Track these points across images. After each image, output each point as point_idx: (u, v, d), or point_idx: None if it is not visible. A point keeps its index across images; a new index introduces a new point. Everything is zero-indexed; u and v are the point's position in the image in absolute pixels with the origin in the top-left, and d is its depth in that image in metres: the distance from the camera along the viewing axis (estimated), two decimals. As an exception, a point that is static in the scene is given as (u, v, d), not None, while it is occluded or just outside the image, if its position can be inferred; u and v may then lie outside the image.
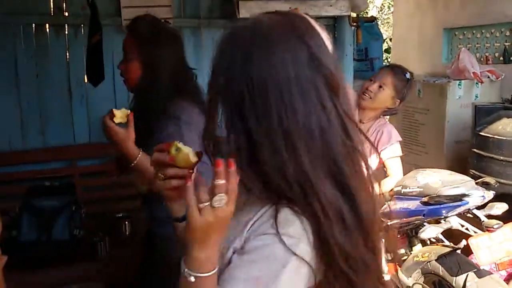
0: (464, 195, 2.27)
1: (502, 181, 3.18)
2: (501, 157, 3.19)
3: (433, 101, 4.12)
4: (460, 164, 3.66)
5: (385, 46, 6.56)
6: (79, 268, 2.89)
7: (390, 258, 2.72)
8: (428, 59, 5.20)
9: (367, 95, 2.60)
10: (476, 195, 2.29)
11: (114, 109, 1.79)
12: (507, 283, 2.35)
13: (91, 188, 3.67)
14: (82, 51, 3.53)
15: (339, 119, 0.88)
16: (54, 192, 3.20)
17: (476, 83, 4.04)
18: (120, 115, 1.77)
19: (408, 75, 2.63)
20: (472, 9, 4.61)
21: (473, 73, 3.99)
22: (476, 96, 4.08)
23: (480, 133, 3.36)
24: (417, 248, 2.70)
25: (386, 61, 7.37)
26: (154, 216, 2.01)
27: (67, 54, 3.70)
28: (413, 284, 2.51)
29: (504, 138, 3.18)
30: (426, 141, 4.26)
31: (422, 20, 5.31)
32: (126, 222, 3.19)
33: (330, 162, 0.87)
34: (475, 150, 3.44)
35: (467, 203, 2.27)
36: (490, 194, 2.36)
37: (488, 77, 4.11)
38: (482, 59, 4.60)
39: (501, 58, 4.42)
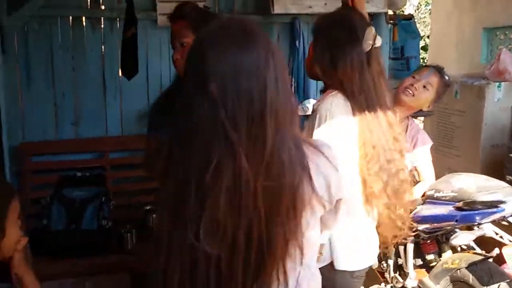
0: (500, 202, 2.19)
1: (540, 188, 3.07)
2: (540, 163, 3.07)
3: (471, 103, 4.00)
4: (495, 169, 3.54)
5: (421, 43, 6.39)
6: (106, 258, 2.94)
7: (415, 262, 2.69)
8: (467, 59, 5.05)
9: (410, 91, 2.48)
10: (514, 203, 2.21)
11: None
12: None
13: (121, 180, 3.73)
14: (117, 44, 3.58)
15: None
16: (84, 182, 3.26)
17: (517, 85, 3.90)
18: None
19: (449, 80, 2.55)
20: (514, 8, 4.45)
21: (514, 74, 3.84)
22: (516, 99, 3.94)
23: (518, 138, 3.25)
24: (447, 254, 2.64)
25: (422, 60, 7.21)
26: None
27: (103, 47, 3.77)
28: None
29: (544, 143, 3.06)
30: (461, 144, 4.14)
31: (460, 18, 5.16)
32: (154, 215, 3.22)
33: None
34: (512, 155, 3.32)
35: (503, 210, 2.18)
36: (527, 202, 2.27)
37: (529, 79, 3.95)
38: (523, 60, 4.43)
39: (544, 60, 4.24)
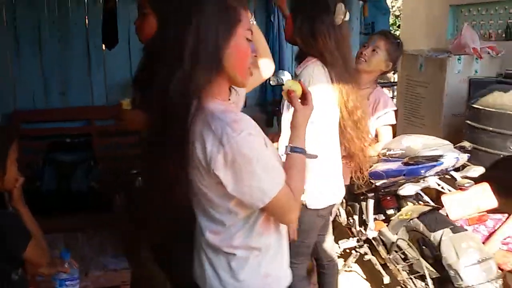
0: (440, 156, 2.48)
1: (490, 151, 3.38)
2: (491, 128, 3.36)
3: (434, 75, 4.27)
4: (456, 136, 3.80)
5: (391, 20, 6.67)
6: (96, 216, 3.20)
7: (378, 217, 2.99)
8: (435, 35, 5.31)
9: (362, 59, 2.83)
10: (451, 157, 2.50)
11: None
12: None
13: (108, 146, 3.95)
14: (100, 17, 3.76)
15: None
16: (73, 148, 3.51)
17: (476, 58, 4.17)
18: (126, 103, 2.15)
19: (398, 40, 2.85)
20: (478, -13, 4.72)
21: (473, 48, 4.11)
22: (476, 71, 4.21)
23: (473, 105, 3.52)
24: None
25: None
26: None
27: (87, 20, 3.94)
28: (397, 239, 2.75)
29: (494, 110, 3.33)
30: (426, 114, 4.42)
31: (430, -4, 5.42)
32: (140, 178, 3.46)
33: None
34: (468, 121, 3.61)
35: (442, 163, 2.48)
36: (465, 156, 2.57)
37: (488, 53, 4.23)
38: (485, 35, 4.72)
39: (504, 35, 4.54)
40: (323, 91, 2.10)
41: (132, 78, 2.34)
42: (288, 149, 1.35)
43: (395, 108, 2.97)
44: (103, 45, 3.86)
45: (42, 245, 1.78)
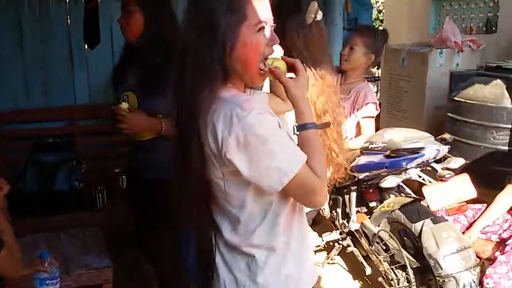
0: (421, 148, 2.51)
1: (471, 142, 3.42)
2: (471, 120, 3.40)
3: (416, 69, 4.31)
4: (438, 129, 3.84)
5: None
6: (78, 215, 3.19)
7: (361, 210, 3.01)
8: (417, 29, 5.37)
9: (343, 58, 2.89)
10: (432, 149, 2.53)
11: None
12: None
13: (91, 145, 3.93)
14: (83, 16, 3.74)
15: None
16: (56, 148, 3.48)
17: (457, 52, 4.22)
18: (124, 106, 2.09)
19: (375, 33, 2.90)
20: (458, -20, 4.77)
21: (454, 42, 4.16)
22: (457, 65, 4.26)
23: (454, 98, 3.57)
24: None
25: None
26: (151, 161, 2.16)
27: (68, 19, 3.92)
28: (379, 231, 2.77)
29: (475, 102, 3.38)
30: (408, 107, 4.47)
31: (412, -9, 5.47)
32: (123, 177, 3.47)
33: None
34: (449, 114, 3.65)
35: (423, 155, 2.51)
36: (445, 148, 2.60)
37: (469, 46, 4.28)
38: (467, 29, 4.77)
39: (484, 28, 4.60)
40: None
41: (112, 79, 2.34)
42: (296, 129, 1.25)
43: (376, 101, 3.00)
44: (85, 45, 3.84)
45: (15, 257, 1.71)
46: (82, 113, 3.91)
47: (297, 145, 1.24)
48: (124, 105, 2.08)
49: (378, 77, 5.43)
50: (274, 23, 1.28)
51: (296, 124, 1.25)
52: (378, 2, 10.35)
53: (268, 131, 1.13)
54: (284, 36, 2.05)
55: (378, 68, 5.97)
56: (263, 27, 1.20)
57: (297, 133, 1.25)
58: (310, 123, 1.24)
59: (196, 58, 1.18)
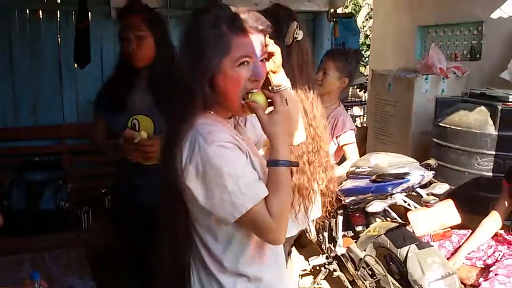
0: (406, 174, 2.55)
1: (456, 168, 3.47)
2: (456, 146, 3.46)
3: (402, 94, 4.38)
4: (423, 153, 3.91)
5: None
6: (64, 235, 3.17)
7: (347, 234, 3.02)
8: (403, 55, 5.46)
9: (318, 83, 2.84)
10: (417, 174, 2.57)
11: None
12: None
13: (78, 164, 3.92)
14: (73, 36, 3.76)
15: None
16: (43, 167, 3.47)
17: (443, 78, 4.30)
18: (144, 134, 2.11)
19: (347, 56, 2.92)
20: (443, 9, 4.87)
21: (440, 68, 4.25)
22: (443, 91, 4.35)
23: (440, 124, 3.63)
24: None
25: (362, 56, 7.66)
26: (143, 185, 2.15)
27: (59, 39, 3.94)
28: (365, 256, 2.79)
29: (460, 128, 3.44)
30: (395, 132, 4.53)
31: (398, 17, 5.56)
32: (109, 197, 3.46)
33: None
34: (434, 139, 3.71)
35: (409, 180, 2.54)
36: (430, 174, 2.64)
37: (455, 72, 4.37)
38: (452, 56, 4.87)
39: (469, 56, 4.70)
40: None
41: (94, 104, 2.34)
42: (268, 164, 1.26)
43: (353, 127, 3.01)
44: (75, 64, 3.86)
45: None
46: (70, 132, 3.90)
47: (267, 178, 1.26)
48: (144, 134, 2.09)
49: (364, 101, 5.50)
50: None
51: (269, 159, 1.26)
52: (365, 26, 10.54)
53: (225, 165, 1.17)
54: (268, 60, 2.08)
55: (364, 92, 6.05)
56: (246, 62, 1.24)
57: (268, 167, 1.26)
58: (283, 161, 1.24)
59: (182, 85, 1.25)
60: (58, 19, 3.93)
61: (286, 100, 1.30)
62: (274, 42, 1.90)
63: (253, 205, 1.19)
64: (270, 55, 1.41)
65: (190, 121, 1.23)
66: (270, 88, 1.43)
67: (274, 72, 1.50)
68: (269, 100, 1.28)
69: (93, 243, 3.09)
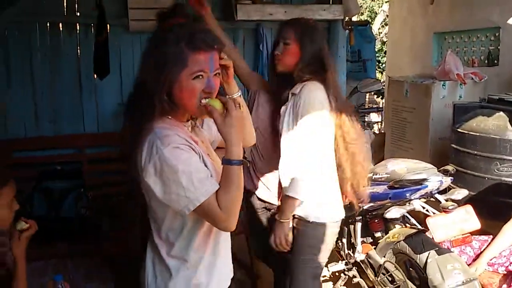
0: (424, 180, 2.54)
1: (476, 174, 3.45)
2: (475, 152, 3.43)
3: (419, 101, 4.37)
4: (441, 160, 3.89)
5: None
6: (83, 243, 3.20)
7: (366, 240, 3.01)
8: (420, 61, 5.45)
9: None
10: (435, 180, 2.56)
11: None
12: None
13: (98, 173, 3.97)
14: (92, 48, 3.83)
15: None
16: (64, 175, 3.53)
17: (460, 84, 4.29)
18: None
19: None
20: (460, 15, 4.87)
21: (457, 74, 4.23)
22: (460, 96, 4.33)
23: (458, 130, 3.61)
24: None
25: (378, 62, 7.64)
26: None
27: (78, 51, 4.01)
28: (384, 262, 2.77)
29: (478, 134, 3.42)
30: (413, 138, 4.51)
31: (414, 24, 5.57)
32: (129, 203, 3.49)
33: None
34: (453, 145, 3.69)
35: (427, 186, 2.54)
36: (448, 179, 2.62)
37: (472, 78, 4.35)
38: (469, 62, 4.85)
39: (486, 61, 4.67)
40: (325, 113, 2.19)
41: (124, 106, 2.39)
42: (222, 162, 1.42)
43: None
44: (95, 75, 3.93)
45: None
46: (90, 141, 3.96)
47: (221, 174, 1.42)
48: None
49: (381, 107, 5.48)
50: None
51: (223, 158, 1.41)
52: (381, 33, 10.52)
53: (180, 164, 1.34)
54: (326, 70, 2.23)
55: (382, 98, 6.03)
56: (201, 76, 1.40)
57: (223, 165, 1.41)
58: (235, 160, 1.38)
59: (145, 90, 1.42)
60: (78, 32, 4.00)
61: (239, 105, 1.52)
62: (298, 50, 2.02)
63: (205, 199, 1.35)
64: (226, 67, 1.55)
65: (149, 125, 1.40)
66: (225, 95, 1.57)
67: (228, 82, 1.63)
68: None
69: (114, 250, 3.12)
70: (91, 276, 2.60)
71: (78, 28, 4.00)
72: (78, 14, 3.99)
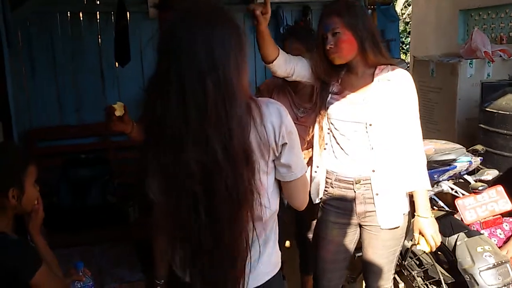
0: (453, 160, 2.47)
1: (505, 154, 3.35)
2: (505, 131, 3.33)
3: (445, 80, 4.26)
4: (469, 140, 3.79)
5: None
6: (111, 230, 3.24)
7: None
8: (445, 40, 5.30)
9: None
10: (464, 160, 2.49)
11: (112, 105, 1.92)
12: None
13: (123, 160, 4.00)
14: (113, 36, 3.84)
15: None
16: (89, 164, 3.56)
17: (488, 62, 4.15)
18: (118, 108, 1.94)
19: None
20: (487, -10, 4.71)
21: (485, 52, 4.09)
22: (488, 75, 4.19)
23: (486, 109, 3.50)
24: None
25: (402, 43, 7.48)
26: None
27: (99, 39, 4.03)
28: (411, 245, 2.72)
29: (508, 113, 3.31)
30: (439, 119, 4.40)
31: (439, 2, 5.41)
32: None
33: None
34: (481, 125, 3.58)
35: (455, 167, 2.47)
36: (477, 160, 2.55)
37: (500, 56, 4.21)
38: (496, 39, 4.69)
39: (515, 38, 4.52)
40: None
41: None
42: None
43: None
44: (116, 63, 3.94)
45: (55, 273, 1.77)
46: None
47: None
48: (118, 107, 1.97)
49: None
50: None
51: None
52: (404, 14, 10.30)
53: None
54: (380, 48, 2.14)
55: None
56: None
57: None
58: None
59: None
60: (98, 20, 4.02)
61: None
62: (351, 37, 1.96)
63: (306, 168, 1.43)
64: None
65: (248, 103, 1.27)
66: None
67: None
68: None
69: (141, 236, 3.15)
70: (118, 262, 2.62)
71: (98, 16, 4.01)
72: (98, 2, 4.00)
